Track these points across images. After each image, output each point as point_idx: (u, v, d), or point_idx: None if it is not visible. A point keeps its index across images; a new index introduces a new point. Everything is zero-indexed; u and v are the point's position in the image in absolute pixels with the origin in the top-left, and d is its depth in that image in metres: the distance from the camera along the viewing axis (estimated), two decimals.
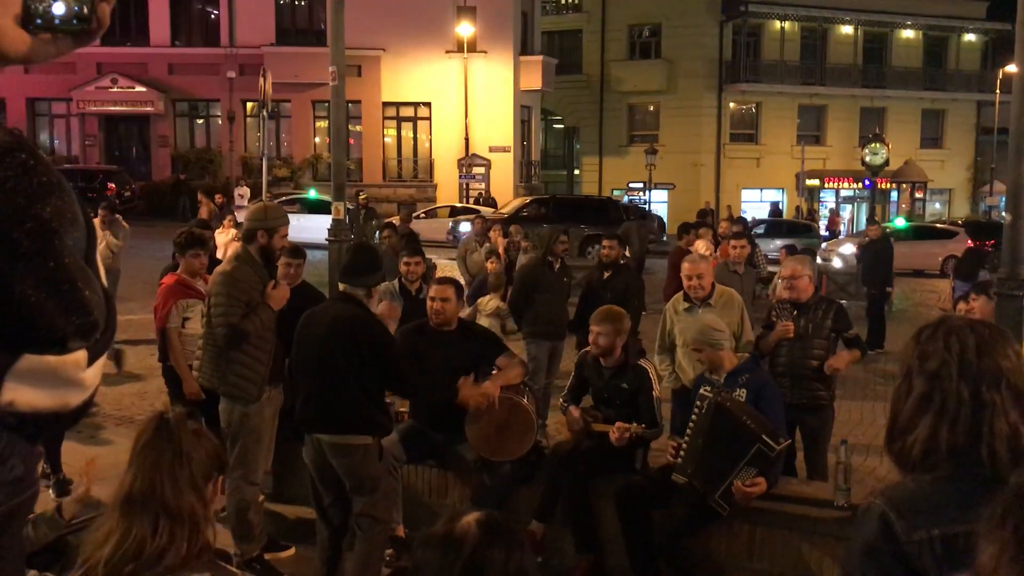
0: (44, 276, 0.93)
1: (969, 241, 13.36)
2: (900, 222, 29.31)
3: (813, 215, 36.14)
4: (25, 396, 0.95)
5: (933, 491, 1.78)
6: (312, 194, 20.41)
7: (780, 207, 38.77)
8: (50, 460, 6.39)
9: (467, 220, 21.36)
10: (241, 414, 5.40)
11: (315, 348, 4.76)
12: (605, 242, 8.98)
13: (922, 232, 27.44)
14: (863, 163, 28.98)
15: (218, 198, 16.94)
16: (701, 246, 11.11)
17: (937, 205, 43.08)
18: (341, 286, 4.97)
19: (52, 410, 0.98)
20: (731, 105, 41.01)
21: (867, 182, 32.05)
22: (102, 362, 1.02)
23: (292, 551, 5.64)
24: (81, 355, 0.98)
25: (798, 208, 37.52)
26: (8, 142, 0.95)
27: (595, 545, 5.48)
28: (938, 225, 30.02)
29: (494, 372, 5.63)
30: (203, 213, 13.86)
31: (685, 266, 6.56)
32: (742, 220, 19.65)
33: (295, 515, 6.19)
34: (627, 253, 9.38)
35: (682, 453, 5.05)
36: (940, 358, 1.86)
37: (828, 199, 40.84)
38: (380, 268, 5.04)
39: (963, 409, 1.81)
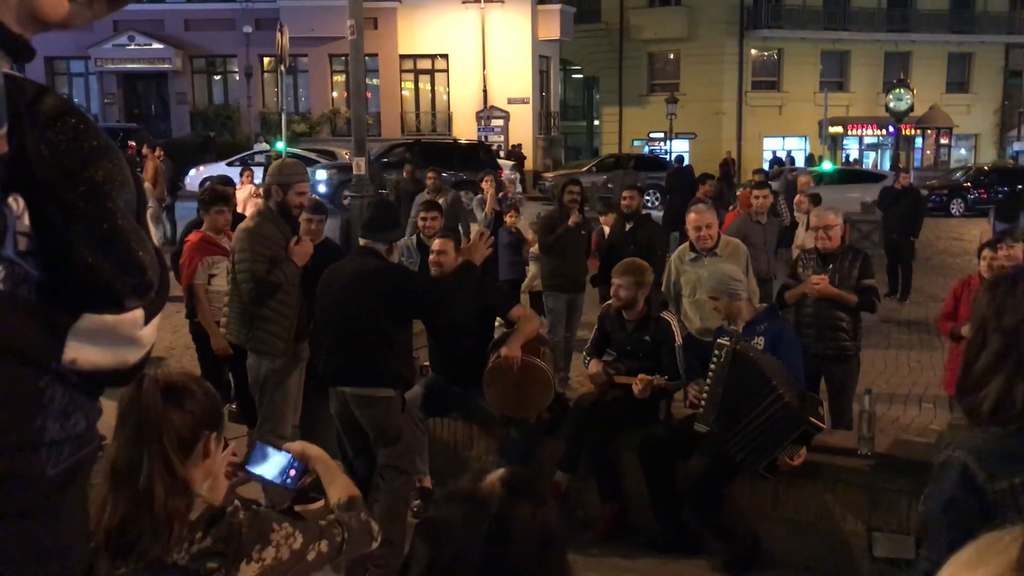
0: (99, 238, 0.96)
1: (903, 181, 13.52)
2: (827, 166, 29.24)
3: (849, 162, 35.70)
4: (87, 354, 0.98)
5: (1010, 442, 1.78)
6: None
7: (784, 157, 38.23)
8: None
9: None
10: (268, 369, 5.46)
11: (337, 302, 4.80)
12: (625, 192, 8.92)
13: (848, 176, 27.48)
14: (887, 109, 28.59)
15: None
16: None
17: (963, 151, 42.44)
18: (362, 241, 5.00)
19: (112, 367, 1.02)
20: (752, 52, 40.38)
21: (891, 128, 31.62)
22: (157, 320, 1.05)
23: (322, 503, 5.73)
24: (138, 314, 1.02)
25: (809, 156, 37.16)
26: (59, 106, 0.97)
27: (619, 495, 5.54)
28: (866, 169, 29.88)
29: (507, 329, 5.65)
30: (148, 169, 13.67)
31: (691, 216, 6.54)
32: (763, 171, 19.50)
33: None
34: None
35: (703, 404, 5.07)
36: (1019, 314, 1.84)
37: (851, 146, 40.33)
38: (399, 223, 5.10)
39: None
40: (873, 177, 25.97)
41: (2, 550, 0.95)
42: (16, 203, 0.94)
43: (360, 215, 7.37)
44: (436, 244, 5.76)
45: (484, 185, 11.93)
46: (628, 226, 8.54)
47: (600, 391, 5.69)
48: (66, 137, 0.96)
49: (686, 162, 27.65)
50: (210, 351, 6.52)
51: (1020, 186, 27.44)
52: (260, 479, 2.24)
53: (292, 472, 2.23)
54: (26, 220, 0.95)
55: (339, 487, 2.31)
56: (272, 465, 2.24)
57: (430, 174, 11.34)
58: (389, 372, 4.82)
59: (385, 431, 4.84)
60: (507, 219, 9.72)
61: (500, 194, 11.88)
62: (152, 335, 1.05)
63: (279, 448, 2.28)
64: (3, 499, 0.94)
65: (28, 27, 0.97)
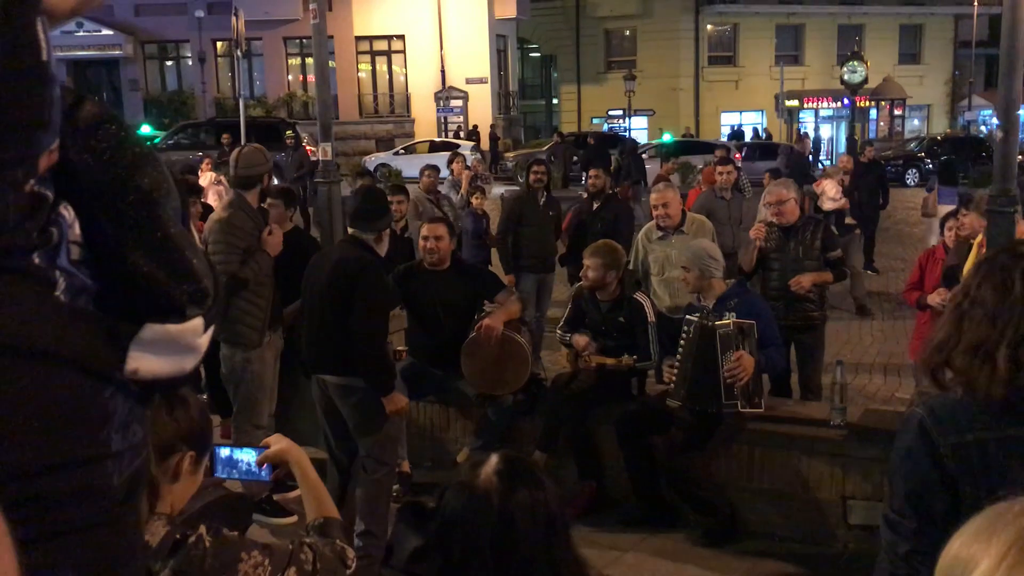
0: (153, 246, 0.95)
1: (738, 155, 14.36)
2: (666, 137, 29.89)
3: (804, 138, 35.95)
4: (148, 364, 0.98)
5: (968, 404, 1.88)
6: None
7: (740, 130, 38.62)
8: None
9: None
10: (243, 359, 5.43)
11: (318, 289, 4.77)
12: (591, 171, 8.96)
13: (688, 147, 28.59)
14: (842, 82, 28.85)
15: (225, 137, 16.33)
16: (830, 188, 11.55)
17: (916, 121, 43.03)
18: (350, 230, 4.93)
19: (170, 375, 1.01)
20: (708, 27, 40.51)
21: (846, 101, 31.93)
22: (212, 329, 1.05)
23: (299, 492, 5.73)
24: (199, 322, 1.01)
25: (756, 130, 37.59)
26: (98, 114, 0.96)
27: (597, 472, 5.60)
28: (702, 140, 30.74)
29: (492, 307, 5.67)
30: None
31: (652, 196, 6.63)
32: (725, 146, 19.63)
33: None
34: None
35: (674, 379, 5.14)
36: (996, 287, 1.89)
37: (807, 119, 40.70)
38: (388, 211, 5.00)
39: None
40: (709, 148, 26.19)
41: (79, 562, 0.94)
42: (68, 212, 0.93)
43: (332, 203, 7.32)
44: (426, 229, 5.72)
45: (455, 167, 11.98)
46: (595, 205, 8.57)
47: (574, 370, 5.73)
48: (109, 145, 0.95)
49: (665, 137, 29.25)
50: None
51: (974, 155, 27.90)
52: (234, 479, 2.22)
53: (264, 465, 2.21)
54: (77, 229, 0.94)
55: (315, 503, 2.21)
56: (241, 464, 2.21)
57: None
58: (353, 360, 4.76)
59: (365, 421, 4.80)
60: (473, 200, 9.69)
61: (471, 174, 11.87)
62: (207, 342, 1.05)
63: (242, 446, 2.25)
64: (79, 512, 0.93)
65: None
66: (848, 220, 11.26)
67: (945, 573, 0.95)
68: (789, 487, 5.18)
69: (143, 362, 0.97)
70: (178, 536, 1.88)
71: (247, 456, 2.19)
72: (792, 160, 18.04)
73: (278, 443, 2.26)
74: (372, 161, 28.28)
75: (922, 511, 1.87)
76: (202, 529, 1.91)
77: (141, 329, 0.96)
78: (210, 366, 6.40)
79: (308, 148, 13.09)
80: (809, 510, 5.12)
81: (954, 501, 1.83)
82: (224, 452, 2.20)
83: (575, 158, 25.88)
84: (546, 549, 1.77)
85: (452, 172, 12.28)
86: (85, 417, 0.93)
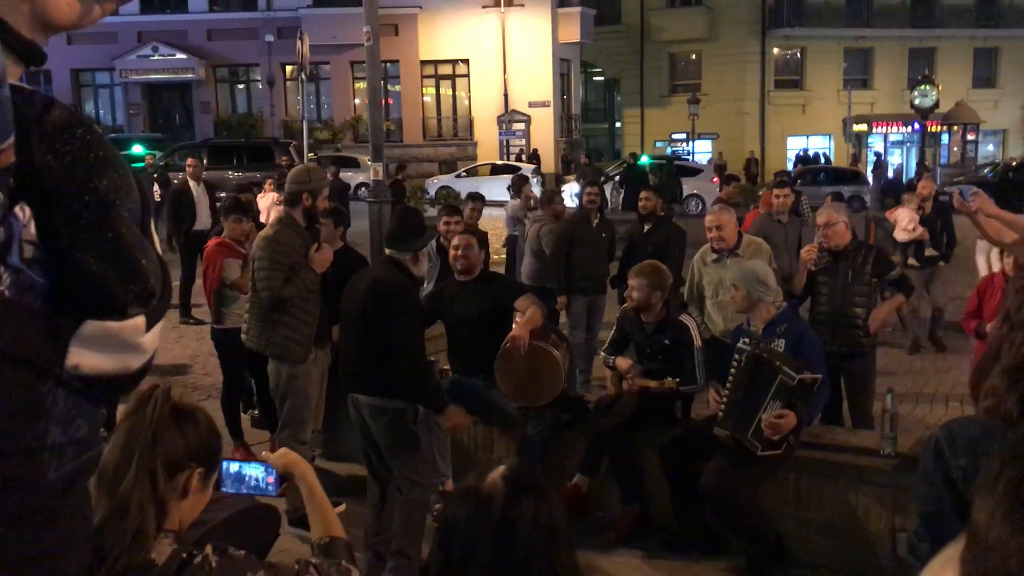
0: (104, 247, 0.99)
1: (715, 179, 13.97)
2: (644, 159, 29.44)
3: (856, 160, 35.35)
4: (89, 360, 1.00)
5: (992, 426, 1.86)
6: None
7: (809, 154, 38.17)
8: (107, 422, 6.58)
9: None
10: (289, 375, 5.50)
11: (355, 309, 4.81)
12: (643, 193, 8.93)
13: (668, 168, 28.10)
14: (912, 106, 28.32)
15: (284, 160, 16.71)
16: (904, 217, 10.51)
17: (991, 147, 41.94)
18: (387, 251, 4.98)
19: (114, 373, 1.04)
20: (775, 51, 40.14)
21: (916, 125, 31.30)
22: (160, 327, 1.07)
23: (343, 507, 5.76)
24: (140, 320, 1.04)
25: (819, 155, 37.17)
26: (67, 118, 0.99)
27: (640, 497, 5.53)
28: (689, 164, 30.16)
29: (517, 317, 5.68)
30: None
31: (707, 218, 6.53)
32: (785, 171, 19.37)
33: (346, 472, 6.32)
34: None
35: (723, 408, 5.05)
36: None
37: (877, 144, 39.96)
38: (424, 232, 5.03)
39: None
40: (692, 172, 27.62)
41: (4, 551, 0.96)
42: (23, 212, 0.97)
43: (383, 222, 7.42)
44: (457, 239, 5.85)
45: (526, 190, 11.93)
46: (646, 227, 8.53)
47: (618, 392, 5.68)
48: (72, 148, 0.98)
49: (643, 159, 29.06)
50: (232, 358, 6.57)
51: None
52: (242, 494, 2.23)
53: (271, 480, 2.21)
54: (32, 229, 0.97)
55: (321, 521, 2.20)
56: (249, 479, 2.21)
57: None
58: (401, 384, 4.74)
59: (395, 441, 4.79)
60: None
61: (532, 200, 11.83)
62: (155, 341, 1.07)
63: (249, 460, 2.26)
64: (6, 502, 0.96)
65: (40, 32, 0.99)
66: (929, 252, 10.19)
67: None
68: (837, 517, 5.05)
69: (84, 358, 0.99)
70: (184, 555, 1.89)
71: (255, 471, 2.21)
72: (885, 184, 17.45)
73: (286, 455, 2.26)
74: (434, 184, 28.56)
75: (936, 533, 1.82)
76: (208, 549, 1.91)
77: (82, 325, 0.99)
78: (261, 381, 6.53)
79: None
80: (857, 541, 4.98)
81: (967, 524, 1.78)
82: (233, 467, 2.21)
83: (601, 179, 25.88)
84: (546, 559, 1.75)
85: (521, 196, 12.15)
86: (19, 409, 0.95)
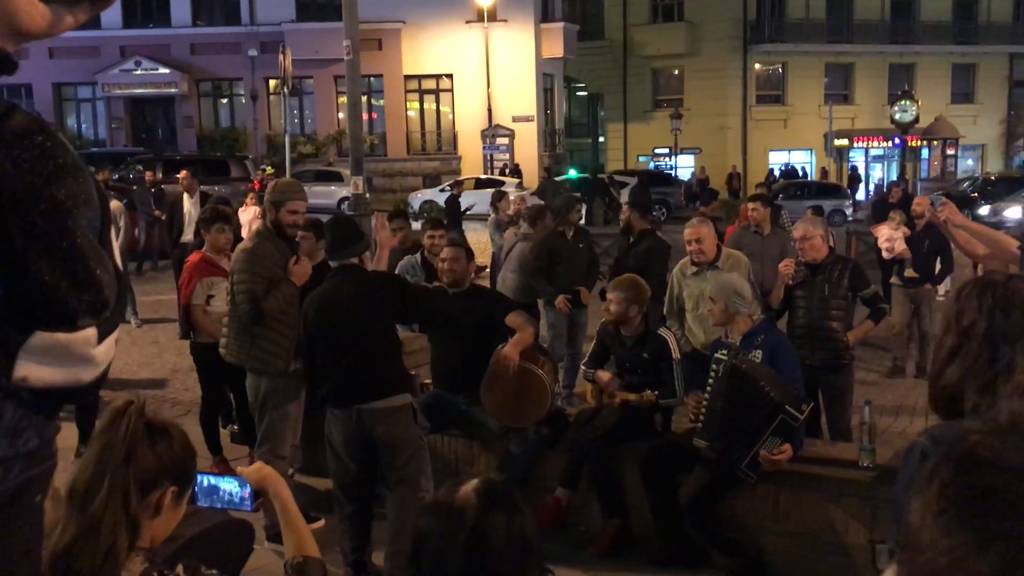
0: (58, 255, 0.96)
1: (895, 195, 13.69)
2: (572, 173, 29.55)
3: (826, 174, 35.63)
4: (38, 372, 0.98)
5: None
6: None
7: (788, 169, 38.50)
8: (82, 433, 6.52)
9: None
10: (268, 388, 5.46)
11: (342, 325, 4.75)
12: (624, 207, 9.02)
13: (589, 183, 28.04)
14: (892, 121, 28.60)
15: (259, 174, 16.80)
16: (883, 234, 10.39)
17: (970, 161, 42.34)
18: (333, 263, 5.00)
19: (65, 385, 1.01)
20: (756, 66, 40.45)
21: (897, 140, 31.58)
22: (113, 339, 1.05)
23: (322, 522, 5.73)
24: (91, 332, 1.01)
25: (798, 169, 37.44)
26: (27, 124, 0.97)
27: (621, 510, 5.52)
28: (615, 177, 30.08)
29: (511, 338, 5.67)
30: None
31: (686, 231, 6.55)
32: (765, 183, 19.45)
33: (324, 487, 6.25)
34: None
35: (701, 419, 5.06)
36: (972, 315, 1.96)
37: (857, 159, 40.28)
38: (363, 235, 5.12)
39: (982, 364, 1.91)
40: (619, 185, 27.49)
41: None
42: None
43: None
44: (444, 252, 5.93)
45: (502, 205, 12.03)
46: (630, 240, 8.55)
47: (598, 406, 5.68)
48: (32, 155, 0.96)
49: (570, 173, 29.38)
50: (212, 372, 6.53)
51: None
52: (216, 508, 2.22)
53: (246, 494, 2.19)
54: None
55: (295, 540, 2.18)
56: (223, 494, 2.19)
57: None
58: (401, 379, 4.89)
59: (404, 443, 4.80)
60: (506, 234, 9.73)
61: (512, 212, 11.87)
62: (108, 354, 1.05)
63: (224, 475, 2.24)
64: None
65: (10, 40, 0.97)
66: (908, 272, 9.62)
67: None
68: (816, 530, 5.05)
69: (32, 370, 0.97)
70: (155, 574, 1.87)
71: (229, 486, 2.19)
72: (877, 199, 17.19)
73: (259, 470, 2.24)
74: (417, 198, 28.56)
75: None
76: (180, 569, 1.89)
77: (30, 336, 0.97)
78: (240, 396, 6.49)
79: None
80: (836, 554, 4.98)
81: None
82: (207, 481, 2.19)
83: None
84: (518, 567, 1.74)
85: (497, 211, 12.28)
86: None
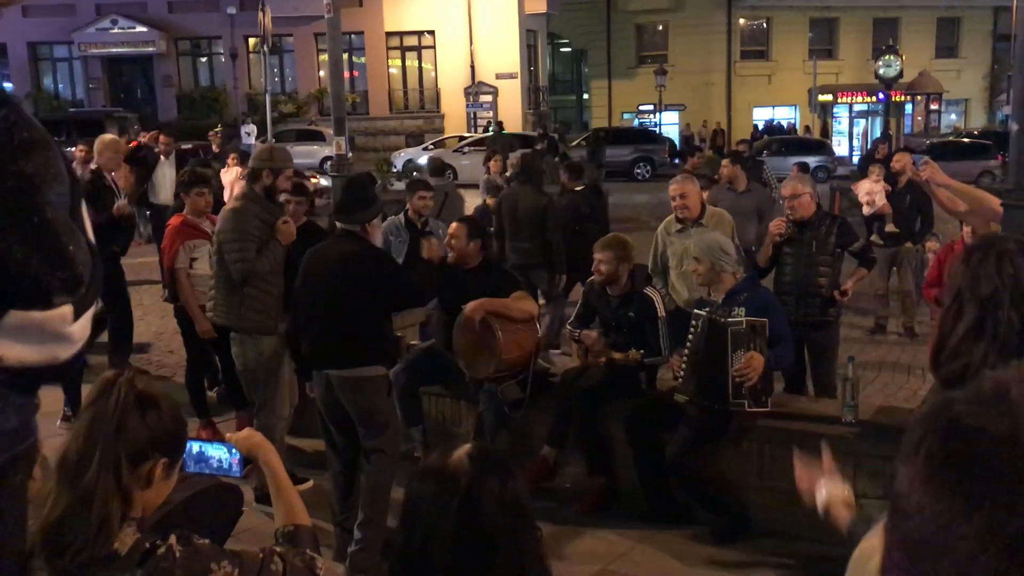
0: (28, 232, 0.94)
1: (883, 152, 13.48)
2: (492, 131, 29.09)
3: (810, 130, 35.60)
4: (13, 351, 0.97)
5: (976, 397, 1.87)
6: None
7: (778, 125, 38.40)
8: (71, 403, 6.52)
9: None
10: (257, 352, 5.47)
11: (325, 286, 4.76)
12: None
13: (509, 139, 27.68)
14: (877, 76, 28.55)
15: (211, 135, 16.57)
16: (863, 189, 10.24)
17: (953, 116, 42.37)
18: (338, 224, 4.97)
19: (41, 364, 0.99)
20: (741, 22, 40.18)
21: (881, 95, 31.55)
22: (89, 316, 1.02)
23: (311, 483, 5.76)
24: (67, 310, 0.99)
25: (782, 124, 37.34)
26: None
27: (607, 468, 5.57)
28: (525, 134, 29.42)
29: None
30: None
31: (671, 187, 6.55)
32: (746, 141, 19.40)
33: (313, 448, 6.29)
34: None
35: (681, 372, 5.10)
36: (992, 283, 1.88)
37: (841, 114, 40.22)
38: (373, 202, 4.97)
39: (1013, 335, 1.85)
40: (528, 141, 26.67)
41: None
42: None
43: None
44: (450, 228, 5.91)
45: (491, 165, 11.87)
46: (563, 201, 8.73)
47: (584, 365, 5.70)
48: None
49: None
50: (195, 335, 6.51)
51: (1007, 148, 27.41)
52: (205, 474, 2.20)
53: (235, 461, 2.18)
54: None
55: (285, 508, 2.17)
56: (212, 460, 2.18)
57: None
58: (376, 351, 4.81)
59: (372, 414, 4.81)
60: (489, 201, 9.69)
61: (507, 174, 11.57)
62: (84, 331, 1.02)
63: (213, 441, 2.23)
64: None
65: None
66: (889, 228, 9.62)
67: (852, 566, 0.95)
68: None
69: (7, 349, 0.95)
70: (147, 545, 1.87)
71: (219, 452, 2.18)
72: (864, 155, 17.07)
73: (250, 437, 2.23)
74: (400, 157, 28.34)
75: None
76: (172, 539, 1.89)
77: (4, 316, 0.95)
78: (225, 358, 6.48)
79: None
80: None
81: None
82: (195, 448, 2.18)
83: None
84: (511, 536, 1.76)
85: (488, 171, 12.15)
86: None
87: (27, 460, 1.03)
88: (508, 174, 11.44)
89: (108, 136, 8.51)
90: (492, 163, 12.19)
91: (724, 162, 8.61)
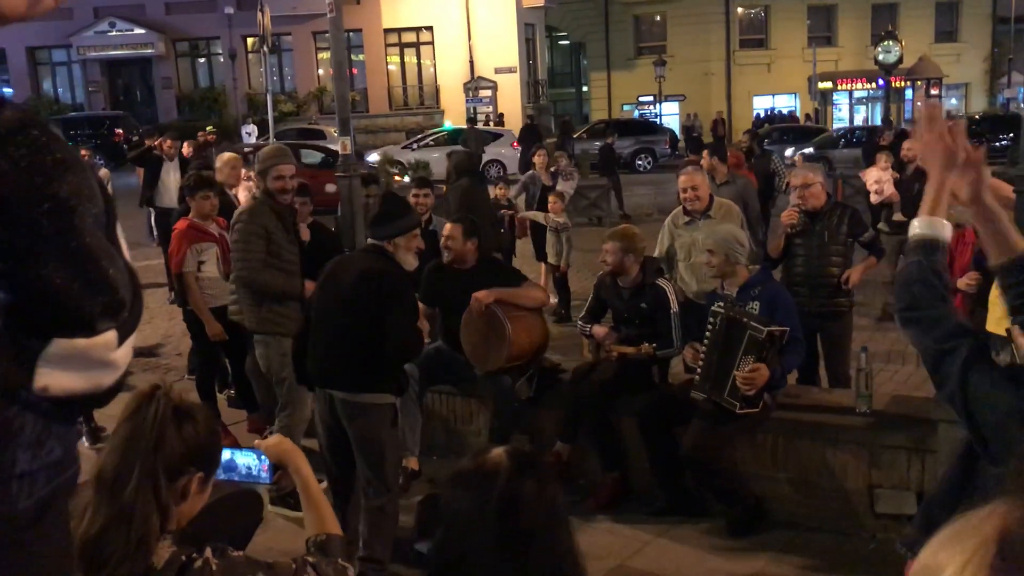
0: (67, 257, 0.91)
1: (516, 143, 13.97)
2: (447, 124, 29.32)
3: (810, 118, 35.50)
4: (58, 380, 0.94)
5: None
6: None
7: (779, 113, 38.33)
8: (84, 417, 6.48)
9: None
10: (281, 352, 5.43)
11: (339, 300, 4.51)
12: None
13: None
14: (876, 62, 28.44)
15: (200, 135, 16.41)
16: (871, 177, 10.10)
17: (954, 100, 42.19)
18: (368, 240, 4.70)
19: (86, 392, 0.97)
20: (739, 10, 40.05)
21: (881, 81, 31.44)
22: (132, 340, 1.00)
23: (324, 484, 5.75)
24: (111, 335, 0.97)
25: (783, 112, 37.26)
26: (18, 118, 0.92)
27: (620, 462, 5.56)
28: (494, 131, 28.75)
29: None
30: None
31: (681, 179, 6.53)
32: (752, 131, 19.31)
33: None
34: None
35: (699, 371, 5.07)
36: None
37: (842, 101, 40.12)
38: (402, 216, 4.61)
39: None
40: (494, 135, 26.97)
41: None
42: None
43: (352, 197, 7.35)
44: (445, 229, 5.81)
45: (536, 159, 11.11)
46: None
47: (595, 360, 5.69)
48: (28, 151, 0.90)
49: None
50: (205, 338, 6.50)
51: (1012, 133, 27.34)
52: (234, 482, 2.21)
53: (264, 468, 2.18)
54: None
55: (316, 518, 2.15)
56: (240, 468, 2.17)
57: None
58: (385, 378, 4.52)
59: (372, 443, 4.49)
60: (498, 191, 9.66)
61: (552, 168, 11.08)
62: (127, 356, 1.00)
63: (241, 447, 2.22)
64: None
65: None
66: (897, 216, 9.35)
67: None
68: (814, 476, 5.10)
69: (53, 379, 0.93)
70: (183, 558, 1.86)
71: (248, 459, 2.18)
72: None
73: (279, 444, 2.22)
74: (373, 156, 27.90)
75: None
76: (208, 552, 1.88)
77: (48, 345, 0.92)
78: (235, 361, 6.48)
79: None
80: (835, 499, 5.04)
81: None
82: (225, 455, 2.17)
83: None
84: (547, 536, 1.75)
85: (534, 166, 11.17)
86: None
87: (70, 488, 1.01)
88: (553, 169, 11.15)
89: (227, 153, 8.45)
90: (537, 157, 11.26)
91: (704, 153, 8.63)
